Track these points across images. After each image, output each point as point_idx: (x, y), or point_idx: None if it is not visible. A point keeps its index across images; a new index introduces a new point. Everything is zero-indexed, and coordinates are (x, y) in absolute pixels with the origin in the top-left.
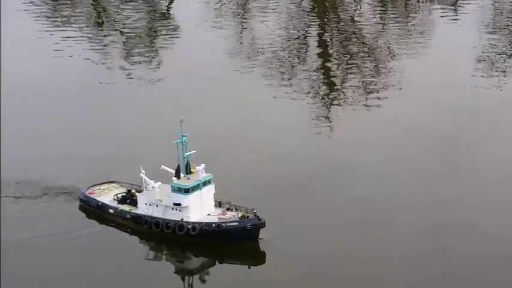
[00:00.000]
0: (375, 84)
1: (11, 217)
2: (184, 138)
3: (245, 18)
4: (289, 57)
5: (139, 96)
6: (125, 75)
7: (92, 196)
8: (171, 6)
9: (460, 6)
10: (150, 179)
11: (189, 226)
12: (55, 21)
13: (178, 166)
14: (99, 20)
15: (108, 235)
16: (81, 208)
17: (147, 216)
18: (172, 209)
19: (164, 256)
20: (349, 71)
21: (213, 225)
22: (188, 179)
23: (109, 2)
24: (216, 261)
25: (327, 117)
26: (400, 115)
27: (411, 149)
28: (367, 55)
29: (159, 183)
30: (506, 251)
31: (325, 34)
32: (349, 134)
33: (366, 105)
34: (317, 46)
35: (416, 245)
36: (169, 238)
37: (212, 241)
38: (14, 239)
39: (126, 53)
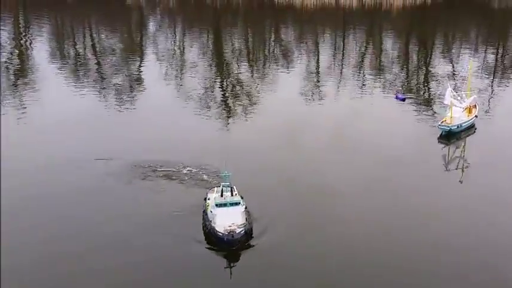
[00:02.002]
0: (250, 110)
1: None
2: (227, 174)
3: (181, 76)
4: (206, 97)
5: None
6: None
7: (208, 192)
8: (141, 69)
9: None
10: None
11: (208, 227)
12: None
13: (221, 189)
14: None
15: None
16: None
17: (204, 213)
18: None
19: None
20: (236, 102)
21: (215, 232)
22: (224, 198)
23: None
24: None
25: (226, 125)
26: (262, 124)
27: (266, 140)
28: (245, 95)
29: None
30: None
31: (224, 82)
32: (237, 136)
33: (245, 118)
34: (219, 90)
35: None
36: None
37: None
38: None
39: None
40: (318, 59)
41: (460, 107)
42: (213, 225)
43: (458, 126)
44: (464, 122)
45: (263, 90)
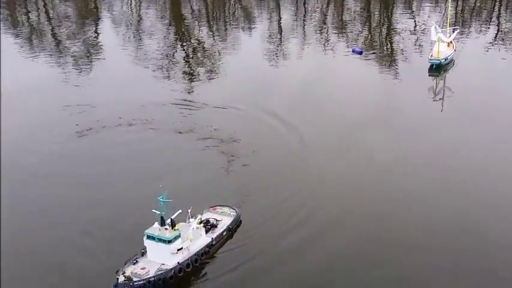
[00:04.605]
0: (211, 69)
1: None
2: (163, 200)
3: (140, 40)
4: (168, 60)
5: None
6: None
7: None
8: (98, 35)
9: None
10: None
11: (135, 258)
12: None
13: (161, 217)
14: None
15: None
16: None
17: None
18: None
19: None
20: (199, 64)
21: (117, 271)
22: (159, 230)
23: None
24: None
25: (190, 86)
26: (225, 86)
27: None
28: (207, 57)
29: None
30: None
31: (185, 46)
32: (199, 95)
33: (209, 79)
34: (182, 52)
35: None
36: None
37: None
38: None
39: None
40: (279, 18)
41: (446, 41)
42: (134, 259)
43: (445, 59)
44: (449, 55)
45: (225, 51)
